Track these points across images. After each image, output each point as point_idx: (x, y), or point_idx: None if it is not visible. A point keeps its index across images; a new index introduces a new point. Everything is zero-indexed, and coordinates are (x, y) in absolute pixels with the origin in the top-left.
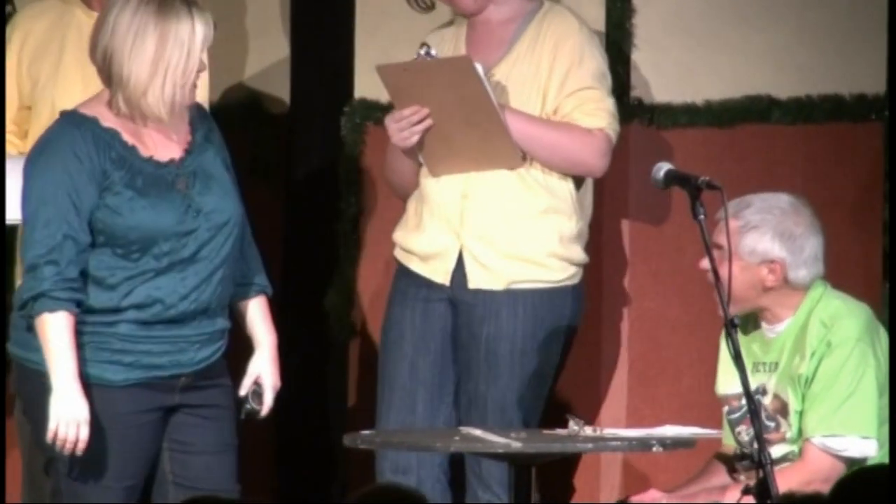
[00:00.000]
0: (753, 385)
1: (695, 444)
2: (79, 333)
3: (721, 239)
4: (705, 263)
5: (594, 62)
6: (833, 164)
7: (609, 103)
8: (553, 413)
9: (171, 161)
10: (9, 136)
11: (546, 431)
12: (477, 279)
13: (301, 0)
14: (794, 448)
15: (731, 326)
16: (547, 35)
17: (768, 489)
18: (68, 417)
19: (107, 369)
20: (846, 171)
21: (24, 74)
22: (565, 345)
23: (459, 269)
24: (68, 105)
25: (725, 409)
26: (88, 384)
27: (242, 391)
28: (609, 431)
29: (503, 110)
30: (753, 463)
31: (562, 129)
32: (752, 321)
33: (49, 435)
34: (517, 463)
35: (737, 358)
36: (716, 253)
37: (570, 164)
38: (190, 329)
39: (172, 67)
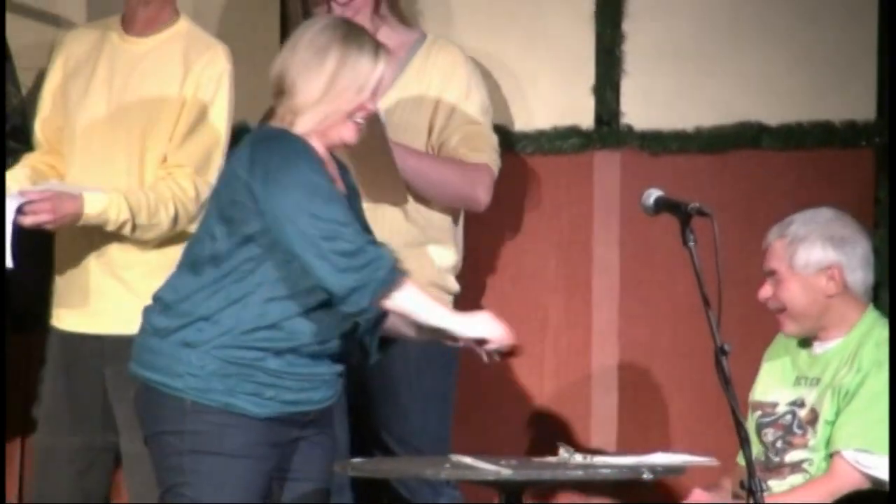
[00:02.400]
0: (791, 397)
1: (684, 472)
2: (228, 363)
3: (772, 264)
4: (763, 293)
5: (479, 96)
6: (824, 190)
7: (493, 138)
8: (543, 440)
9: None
10: (41, 157)
11: (536, 459)
12: None
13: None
14: (813, 456)
15: (720, 354)
16: (435, 67)
17: None
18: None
19: (250, 401)
20: (837, 197)
21: (59, 93)
22: (456, 367)
23: None
24: (91, 126)
25: (758, 413)
26: (230, 413)
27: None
28: (599, 459)
29: (396, 148)
30: (743, 489)
31: (449, 164)
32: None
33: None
34: (507, 490)
35: (726, 385)
36: (771, 279)
37: (456, 198)
38: (323, 367)
39: (339, 92)
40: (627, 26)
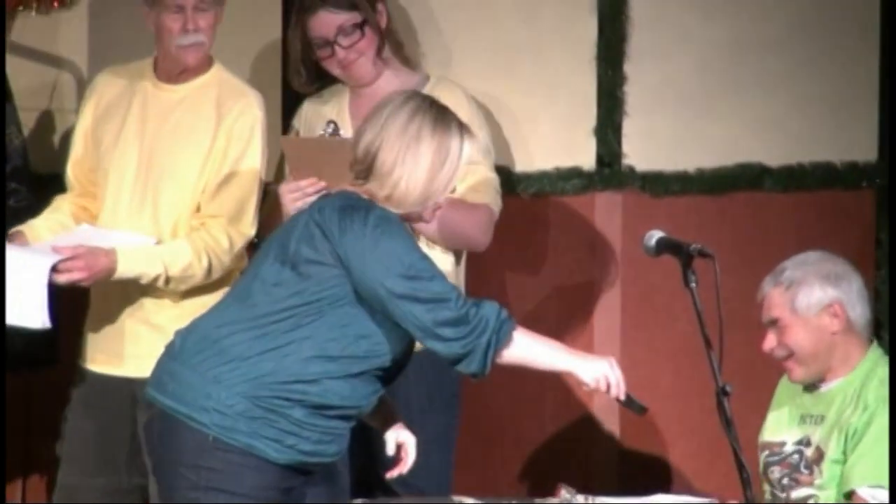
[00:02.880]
0: (798, 436)
1: None
2: (256, 406)
3: (773, 313)
4: (767, 344)
5: (481, 137)
6: (825, 232)
7: (494, 179)
8: (545, 481)
9: None
10: (73, 199)
11: (538, 500)
12: None
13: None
14: (819, 494)
15: (722, 395)
16: None
17: None
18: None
19: (271, 446)
20: (838, 238)
21: (90, 136)
22: (458, 409)
23: None
24: (122, 172)
25: (766, 452)
26: (250, 454)
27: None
28: (601, 500)
29: None
30: None
31: (450, 205)
32: None
33: (594, 384)
34: None
35: (728, 426)
36: (773, 328)
37: (456, 238)
38: (341, 423)
39: (442, 180)
40: (629, 68)
